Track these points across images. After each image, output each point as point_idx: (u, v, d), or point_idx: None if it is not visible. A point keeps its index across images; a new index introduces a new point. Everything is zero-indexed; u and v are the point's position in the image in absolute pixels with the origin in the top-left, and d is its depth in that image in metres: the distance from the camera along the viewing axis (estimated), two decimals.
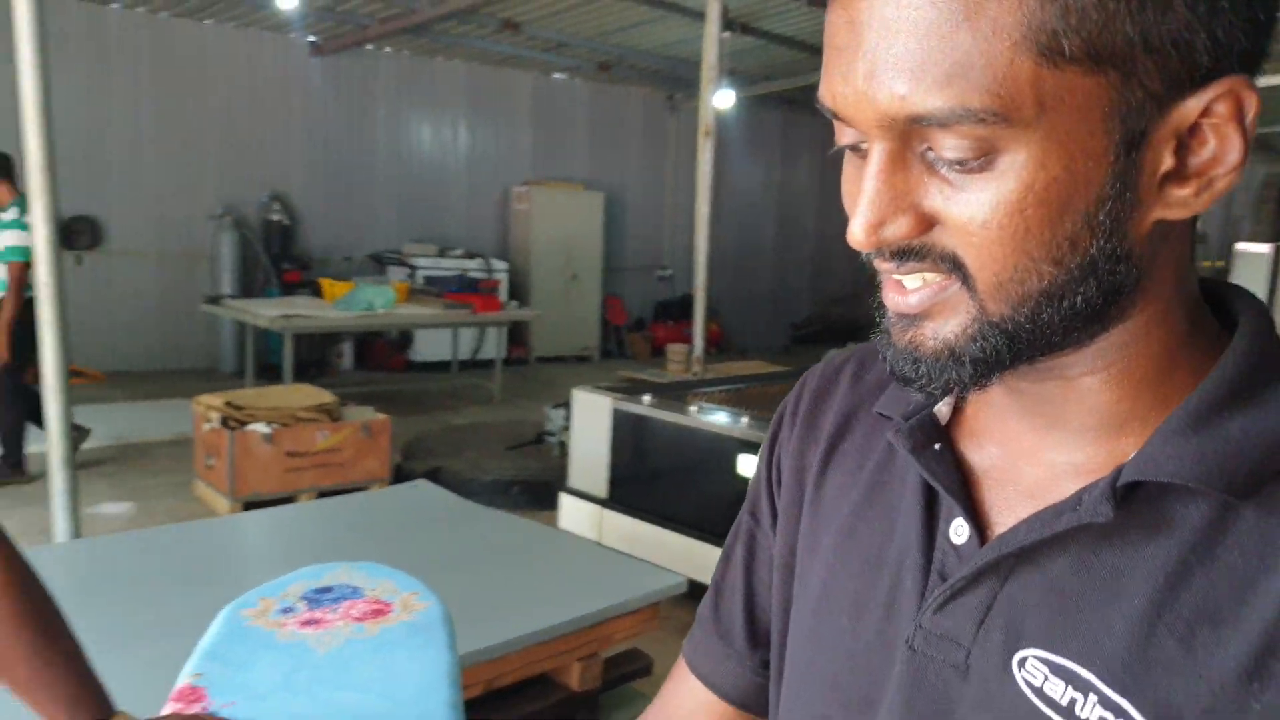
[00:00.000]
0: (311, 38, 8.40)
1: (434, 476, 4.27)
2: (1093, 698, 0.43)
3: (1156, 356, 0.46)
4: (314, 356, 8.34)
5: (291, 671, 1.26)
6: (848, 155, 0.46)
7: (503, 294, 8.69)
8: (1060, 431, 0.48)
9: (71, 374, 3.14)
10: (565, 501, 3.89)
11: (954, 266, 0.42)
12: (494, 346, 8.08)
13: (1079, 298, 0.42)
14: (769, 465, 0.65)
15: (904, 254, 0.43)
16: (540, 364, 9.37)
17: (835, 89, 0.42)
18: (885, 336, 0.47)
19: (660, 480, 3.59)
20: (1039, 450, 0.49)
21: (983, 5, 0.37)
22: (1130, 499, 0.45)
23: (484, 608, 2.22)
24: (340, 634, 1.37)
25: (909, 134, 0.41)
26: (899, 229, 0.42)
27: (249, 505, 4.14)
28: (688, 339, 6.70)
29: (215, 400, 4.43)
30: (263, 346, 7.50)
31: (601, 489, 3.77)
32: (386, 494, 3.37)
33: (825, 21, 0.43)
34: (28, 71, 2.88)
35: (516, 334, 9.37)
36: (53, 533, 3.07)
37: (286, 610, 1.45)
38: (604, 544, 3.42)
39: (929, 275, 0.43)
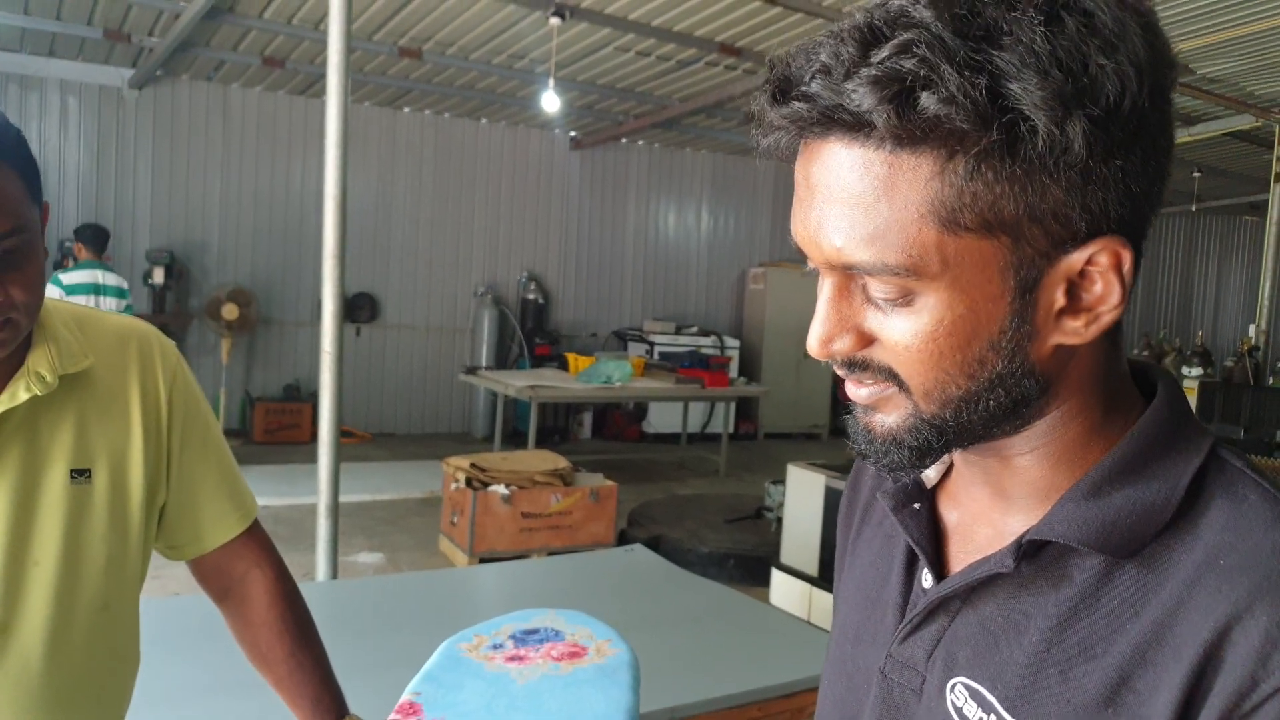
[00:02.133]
0: (573, 133, 9.21)
1: (654, 544, 4.46)
2: (993, 717, 0.53)
3: (1075, 439, 0.55)
4: (558, 424, 8.93)
5: (493, 698, 1.46)
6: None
7: (733, 370, 8.91)
8: (1005, 499, 0.58)
9: (342, 433, 3.61)
10: (776, 577, 3.94)
11: (890, 375, 0.53)
12: (722, 421, 8.28)
13: (991, 402, 0.52)
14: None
15: (851, 365, 0.54)
16: (768, 440, 9.45)
17: (797, 230, 0.53)
18: (851, 419, 0.57)
19: None
20: (990, 513, 0.59)
21: (896, 184, 0.48)
22: (1040, 556, 0.54)
23: (677, 666, 2.34)
24: (538, 670, 1.57)
25: (849, 273, 0.52)
26: (844, 344, 0.53)
27: (484, 561, 4.51)
28: None
29: (463, 462, 4.90)
30: (511, 414, 8.15)
31: (813, 567, 3.80)
32: (604, 555, 3.60)
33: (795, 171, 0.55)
34: (331, 169, 3.33)
35: (746, 410, 9.52)
36: (315, 573, 3.53)
37: (496, 646, 1.67)
38: (812, 622, 3.44)
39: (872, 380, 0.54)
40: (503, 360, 8.86)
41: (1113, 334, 0.54)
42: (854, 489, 0.74)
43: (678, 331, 9.39)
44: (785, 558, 3.98)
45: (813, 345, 0.53)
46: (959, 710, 0.55)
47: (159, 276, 7.24)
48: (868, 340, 0.53)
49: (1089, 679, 0.50)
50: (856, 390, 0.55)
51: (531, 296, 9.07)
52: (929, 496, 0.63)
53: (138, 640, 1.12)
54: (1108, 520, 0.51)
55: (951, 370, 0.51)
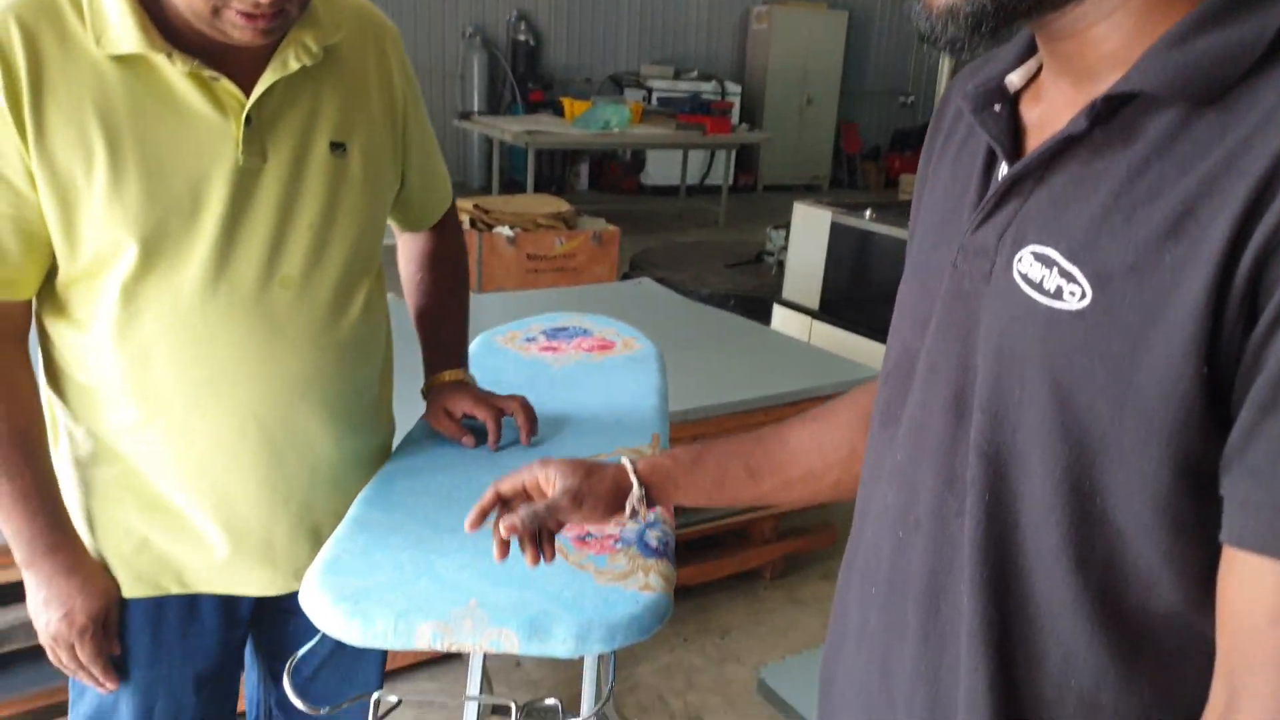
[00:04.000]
0: None
1: None
2: (1054, 270, 0.54)
3: None
4: (554, 175, 8.80)
5: (532, 378, 1.55)
6: None
7: (735, 117, 8.68)
8: (1087, 83, 0.57)
9: None
10: (778, 312, 4.05)
11: None
12: (722, 172, 8.17)
13: None
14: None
15: None
16: (768, 191, 9.36)
17: None
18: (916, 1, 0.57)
19: (871, 293, 3.66)
20: (1073, 102, 0.57)
21: None
22: (1116, 118, 0.54)
23: (688, 379, 2.46)
24: (572, 358, 1.65)
25: None
26: None
27: None
28: None
29: (465, 204, 4.88)
30: (507, 164, 8.00)
31: (814, 301, 3.90)
32: (614, 287, 3.68)
33: None
34: None
35: (746, 160, 9.36)
36: None
37: (529, 339, 1.75)
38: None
39: None
40: (495, 107, 8.58)
41: None
42: (938, 119, 0.73)
43: (676, 76, 9.04)
44: (787, 294, 4.07)
45: None
46: (1024, 276, 0.55)
47: None
48: None
49: (1153, 216, 0.50)
50: None
51: (522, 38, 8.64)
52: (1011, 100, 0.63)
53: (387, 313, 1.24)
54: (1189, 64, 0.50)
55: None
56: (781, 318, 4.02)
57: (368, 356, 1.16)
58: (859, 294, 3.73)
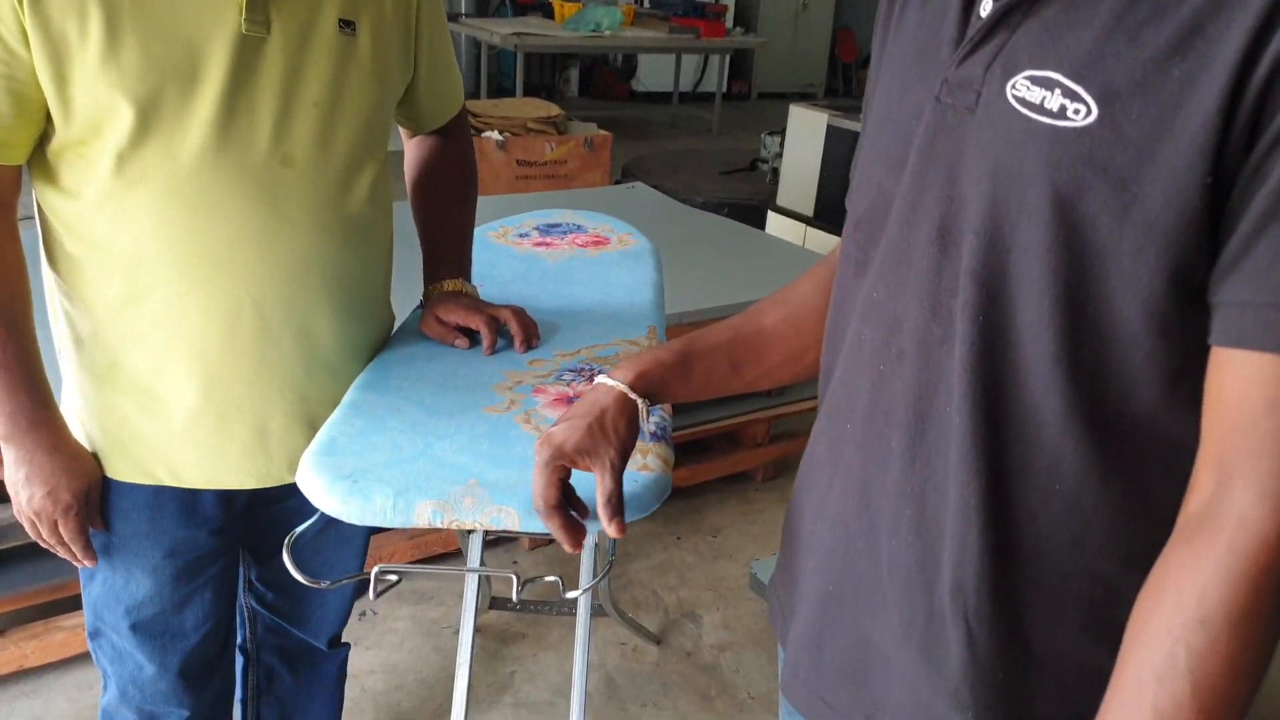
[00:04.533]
0: None
1: None
2: (1057, 91, 0.55)
3: None
4: (544, 81, 8.58)
5: (527, 272, 1.53)
6: None
7: (729, 21, 8.44)
8: None
9: None
10: (772, 219, 4.01)
11: None
12: (716, 78, 7.97)
13: None
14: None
15: None
16: (762, 100, 9.18)
17: None
18: None
19: None
20: None
21: None
22: None
23: (683, 281, 2.44)
24: (566, 254, 1.63)
25: None
26: None
27: None
28: None
29: None
30: (495, 68, 7.78)
31: (809, 208, 3.85)
32: (606, 191, 3.62)
33: None
34: None
35: (740, 68, 9.15)
36: None
37: (522, 235, 1.72)
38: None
39: None
40: (483, 8, 8.30)
41: None
42: None
43: None
44: (782, 200, 4.02)
45: None
46: (1021, 100, 0.57)
47: None
48: None
49: (1158, 35, 0.52)
50: None
51: None
52: None
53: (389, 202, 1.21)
54: None
55: None
56: (776, 224, 3.98)
57: (370, 243, 1.14)
58: None
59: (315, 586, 0.92)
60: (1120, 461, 0.59)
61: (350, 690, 1.49)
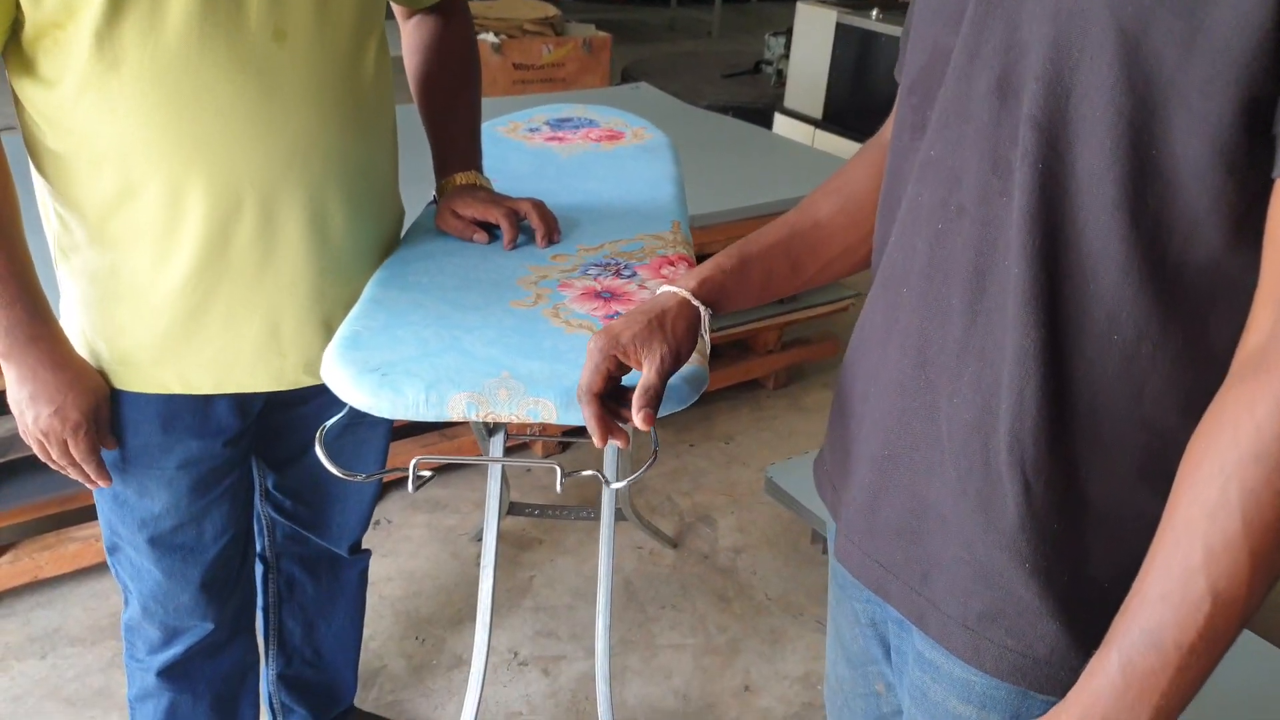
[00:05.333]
0: None
1: None
2: None
3: None
4: None
5: (539, 168, 1.46)
6: None
7: None
8: None
9: None
10: (780, 122, 3.91)
11: None
12: None
13: None
14: None
15: None
16: (761, 2, 8.91)
17: None
18: None
19: (878, 99, 3.52)
20: None
21: None
22: None
23: (694, 184, 2.37)
24: (580, 148, 1.56)
25: None
26: None
27: None
28: None
29: None
30: None
31: (818, 110, 3.74)
32: (609, 92, 3.51)
33: None
34: None
35: None
36: None
37: (532, 130, 1.65)
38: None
39: None
40: None
41: None
42: None
43: None
44: (789, 102, 3.91)
45: None
46: None
47: None
48: None
49: None
50: None
51: None
52: None
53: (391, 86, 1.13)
54: None
55: None
56: (783, 127, 3.88)
57: (375, 127, 1.07)
58: (865, 100, 3.58)
59: (351, 479, 0.88)
60: (1180, 309, 0.58)
61: (368, 597, 1.49)
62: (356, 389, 0.83)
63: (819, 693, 1.79)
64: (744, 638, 1.90)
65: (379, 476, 0.87)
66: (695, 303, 0.79)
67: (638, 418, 0.74)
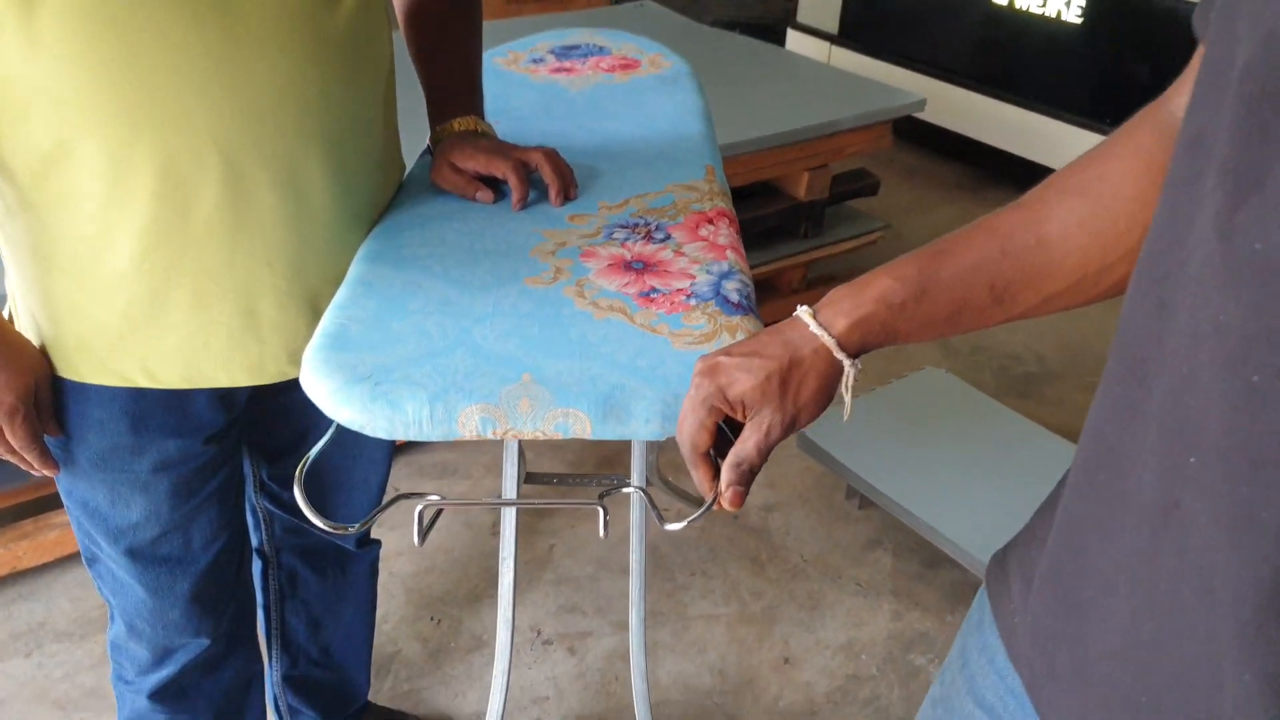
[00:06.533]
0: None
1: None
2: None
3: None
4: None
5: (547, 105, 1.28)
6: None
7: None
8: None
9: None
10: (792, 38, 3.67)
11: None
12: None
13: None
14: None
15: None
16: None
17: None
18: None
19: (897, 12, 3.27)
20: None
21: None
22: None
23: (715, 110, 2.18)
24: (590, 80, 1.37)
25: None
26: None
27: None
28: None
29: None
30: None
31: (833, 24, 3.50)
32: (609, 11, 3.27)
33: None
34: None
35: None
36: None
37: (536, 60, 1.45)
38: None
39: None
40: None
41: None
42: None
43: None
44: (802, 17, 3.66)
45: None
46: None
47: None
48: None
49: None
50: None
51: None
52: None
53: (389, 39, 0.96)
54: None
55: None
56: (796, 44, 3.64)
57: (363, 70, 0.89)
58: (883, 13, 3.34)
59: (339, 533, 0.74)
60: None
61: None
62: (343, 403, 0.67)
63: (863, 663, 1.68)
64: (780, 604, 1.78)
65: (370, 522, 0.71)
66: (840, 355, 0.61)
67: (725, 495, 0.61)
